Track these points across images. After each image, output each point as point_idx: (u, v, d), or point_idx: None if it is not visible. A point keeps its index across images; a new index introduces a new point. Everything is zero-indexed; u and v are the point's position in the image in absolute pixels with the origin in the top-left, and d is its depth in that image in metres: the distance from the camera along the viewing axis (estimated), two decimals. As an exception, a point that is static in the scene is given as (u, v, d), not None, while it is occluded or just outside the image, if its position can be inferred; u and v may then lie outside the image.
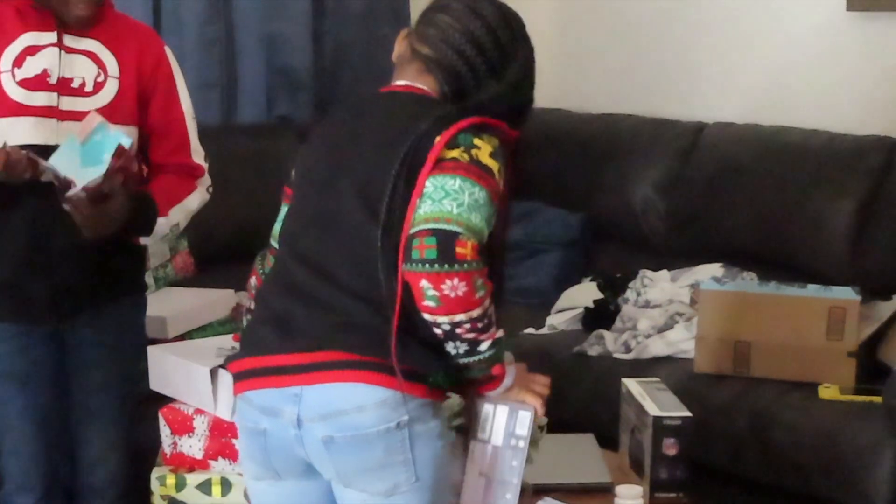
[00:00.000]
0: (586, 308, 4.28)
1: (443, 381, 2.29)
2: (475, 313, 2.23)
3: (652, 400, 3.04)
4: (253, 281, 2.53)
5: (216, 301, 3.97)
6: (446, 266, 2.18)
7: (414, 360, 2.24)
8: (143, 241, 3.01)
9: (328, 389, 2.24)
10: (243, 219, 4.25)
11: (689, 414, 2.98)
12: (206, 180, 3.10)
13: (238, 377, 2.34)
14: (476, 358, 2.29)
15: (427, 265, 2.18)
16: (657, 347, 3.94)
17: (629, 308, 4.17)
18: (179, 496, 2.92)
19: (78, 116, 2.85)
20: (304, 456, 2.31)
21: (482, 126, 2.32)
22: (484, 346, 2.28)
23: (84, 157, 2.73)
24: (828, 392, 3.61)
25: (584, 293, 4.37)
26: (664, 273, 4.29)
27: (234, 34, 4.85)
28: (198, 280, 4.26)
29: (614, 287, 4.34)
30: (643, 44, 4.94)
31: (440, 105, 2.36)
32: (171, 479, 2.92)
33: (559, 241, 4.66)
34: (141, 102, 2.97)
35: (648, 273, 4.29)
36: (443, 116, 2.30)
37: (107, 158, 2.70)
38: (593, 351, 4.03)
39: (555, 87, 5.15)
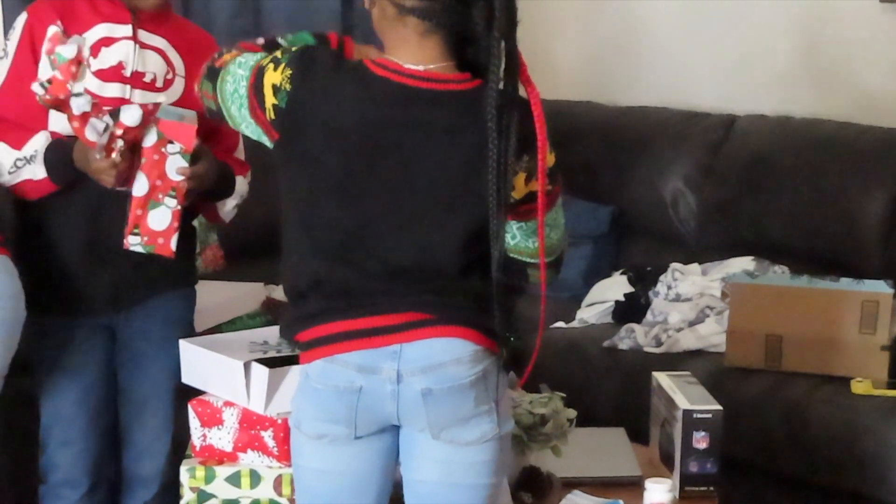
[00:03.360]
0: (617, 302, 4.27)
1: (515, 343, 2.48)
2: None
3: (682, 393, 3.03)
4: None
5: (246, 294, 3.97)
6: (556, 280, 2.47)
7: (494, 321, 2.36)
8: (224, 209, 3.08)
9: (428, 345, 2.34)
10: (272, 212, 4.20)
11: (719, 407, 2.97)
12: (249, 177, 3.15)
13: (322, 342, 2.39)
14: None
15: (548, 289, 2.43)
16: (688, 341, 3.93)
17: (660, 302, 4.16)
18: (209, 488, 2.92)
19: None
20: (391, 411, 2.38)
21: (532, 128, 2.31)
22: None
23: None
24: (860, 386, 3.59)
25: (615, 287, 4.36)
26: (695, 266, 4.27)
27: (263, 27, 4.85)
28: (227, 273, 4.26)
29: (645, 280, 4.33)
30: (674, 35, 4.92)
31: (476, 102, 2.29)
32: (200, 472, 2.92)
33: (589, 235, 4.64)
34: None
35: (679, 266, 4.28)
36: (500, 128, 2.28)
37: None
38: (624, 345, 4.02)
39: (584, 80, 5.14)
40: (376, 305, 2.36)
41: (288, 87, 2.32)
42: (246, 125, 2.41)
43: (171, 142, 2.80)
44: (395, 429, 2.43)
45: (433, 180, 2.31)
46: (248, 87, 2.37)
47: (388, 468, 2.47)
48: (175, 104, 2.95)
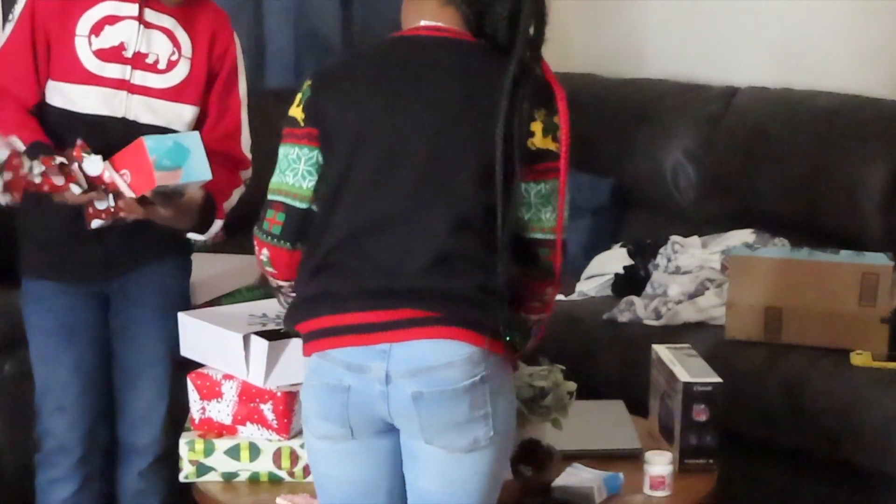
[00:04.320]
0: (616, 274, 4.27)
1: (518, 343, 2.35)
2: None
3: (682, 366, 3.03)
4: (265, 254, 2.45)
5: (244, 267, 3.96)
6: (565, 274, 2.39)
7: (499, 321, 2.27)
8: (190, 236, 3.01)
9: (418, 346, 2.26)
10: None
11: (719, 380, 2.97)
12: (248, 173, 3.13)
13: (316, 335, 2.33)
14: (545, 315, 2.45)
15: (551, 278, 2.37)
16: (688, 314, 3.93)
17: (659, 274, 4.15)
18: (208, 461, 2.92)
19: (149, 92, 2.90)
20: (384, 413, 2.32)
21: (551, 90, 2.33)
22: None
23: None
24: (860, 359, 3.59)
25: (614, 259, 4.35)
26: (695, 239, 4.27)
27: (264, 25, 4.83)
28: (226, 246, 4.24)
29: (644, 253, 4.32)
30: (674, 7, 4.90)
31: (495, 58, 2.31)
32: (199, 445, 2.92)
33: (589, 208, 4.63)
34: (206, 85, 3.00)
35: (679, 239, 4.27)
36: (518, 81, 2.27)
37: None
38: (623, 317, 4.01)
39: (584, 52, 5.12)
40: (371, 299, 2.28)
41: (308, 92, 2.38)
42: (303, 176, 2.37)
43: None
44: (397, 430, 2.36)
45: (444, 122, 2.28)
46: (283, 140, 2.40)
47: (394, 471, 2.39)
48: (178, 86, 2.93)
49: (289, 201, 2.38)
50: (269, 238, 2.41)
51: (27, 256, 3.03)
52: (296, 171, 2.37)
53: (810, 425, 3.55)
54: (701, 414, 2.94)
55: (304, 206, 2.38)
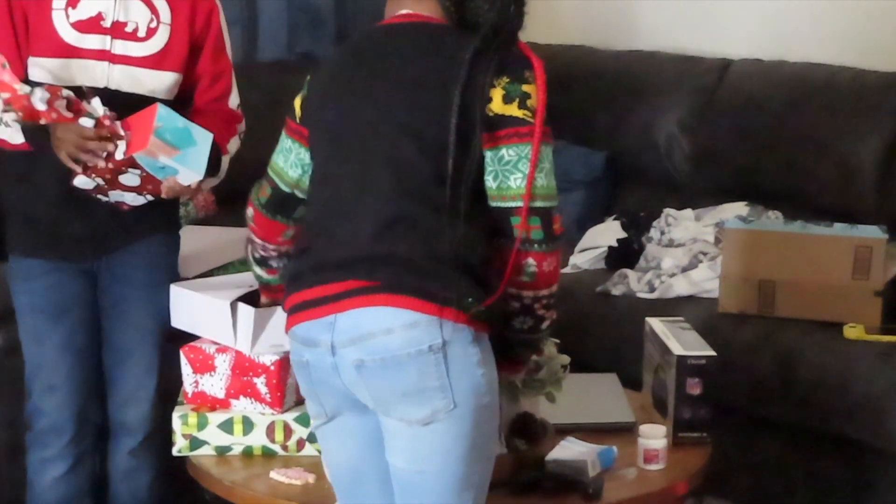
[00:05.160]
0: (610, 247, 4.26)
1: (482, 315, 2.28)
2: (555, 288, 2.36)
3: (676, 339, 3.03)
4: (250, 212, 2.59)
5: (237, 240, 3.93)
6: (552, 245, 2.32)
7: (455, 289, 2.24)
8: (208, 183, 3.03)
9: (358, 314, 2.26)
10: (264, 156, 4.20)
11: (713, 353, 2.96)
12: (242, 126, 3.14)
13: (287, 314, 2.38)
14: (534, 336, 2.41)
15: (536, 245, 2.30)
16: (681, 287, 3.92)
17: (653, 247, 4.15)
18: (201, 435, 2.92)
19: (129, 61, 2.90)
20: (341, 386, 2.32)
21: (523, 61, 2.30)
22: (544, 325, 2.41)
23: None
24: (853, 332, 3.59)
25: (608, 232, 4.35)
26: (688, 212, 4.26)
27: (258, 19, 4.80)
28: (219, 218, 4.25)
29: (638, 226, 4.31)
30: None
31: (462, 36, 2.32)
32: (192, 418, 2.92)
33: (582, 180, 4.62)
34: (191, 52, 2.99)
35: (672, 212, 4.27)
36: (480, 54, 2.27)
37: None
38: (616, 290, 4.01)
39: (578, 24, 5.10)
40: (325, 273, 2.30)
41: (305, 88, 2.46)
42: (291, 166, 2.49)
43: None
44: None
45: (402, 97, 2.30)
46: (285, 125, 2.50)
47: (375, 452, 2.38)
48: (158, 53, 2.93)
49: (276, 181, 2.53)
50: (256, 202, 2.58)
51: (13, 234, 3.02)
52: (286, 159, 2.50)
53: (803, 398, 3.55)
54: (694, 387, 2.94)
55: (287, 189, 2.51)
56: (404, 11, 2.39)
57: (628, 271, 4.05)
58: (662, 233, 4.20)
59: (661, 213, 4.28)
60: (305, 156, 2.45)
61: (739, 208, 4.15)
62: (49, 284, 2.99)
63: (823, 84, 4.22)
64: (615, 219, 4.42)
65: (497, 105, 2.28)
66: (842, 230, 3.69)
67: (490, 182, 2.30)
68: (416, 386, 2.26)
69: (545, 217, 2.30)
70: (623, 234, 4.30)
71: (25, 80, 2.84)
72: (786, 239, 3.73)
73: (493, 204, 2.31)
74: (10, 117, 2.80)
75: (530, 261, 2.31)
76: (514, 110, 2.28)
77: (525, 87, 2.29)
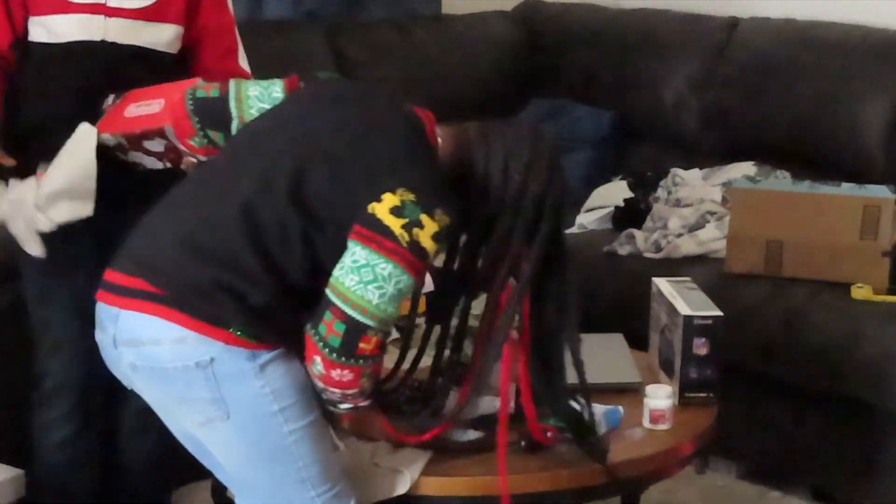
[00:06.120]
0: (617, 207, 4.25)
1: (245, 334, 2.28)
2: (349, 392, 2.33)
3: (683, 299, 3.01)
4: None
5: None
6: (343, 359, 2.25)
7: (221, 311, 2.26)
8: None
9: (135, 317, 2.30)
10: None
11: (720, 313, 2.95)
12: None
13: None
14: (331, 407, 2.39)
15: (327, 349, 2.25)
16: (688, 247, 3.91)
17: (660, 207, 4.13)
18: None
19: (124, 13, 2.89)
20: (122, 375, 2.41)
21: (440, 198, 2.27)
22: (343, 407, 2.39)
23: None
24: (860, 292, 3.58)
25: (615, 192, 4.33)
26: (696, 172, 4.25)
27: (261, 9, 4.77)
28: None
29: (645, 186, 4.30)
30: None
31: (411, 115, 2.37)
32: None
33: (589, 140, 4.61)
34: (189, 4, 2.98)
35: (680, 172, 4.25)
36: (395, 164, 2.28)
37: None
38: (623, 250, 4.00)
39: (586, -18, 5.06)
40: (130, 261, 2.34)
41: None
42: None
43: None
44: None
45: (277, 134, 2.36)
46: None
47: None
48: (154, 5, 2.92)
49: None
50: (191, 90, 2.67)
51: None
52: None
53: (810, 359, 3.55)
54: (701, 347, 2.93)
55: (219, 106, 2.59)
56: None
57: (635, 231, 4.04)
58: (669, 192, 4.19)
59: (668, 172, 4.27)
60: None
61: (747, 168, 4.13)
62: (57, 244, 2.98)
63: (832, 43, 4.20)
64: (622, 178, 4.41)
65: (382, 211, 2.24)
66: (850, 190, 3.68)
67: (336, 270, 2.26)
68: (186, 396, 2.31)
69: (352, 329, 2.24)
70: (630, 194, 4.28)
71: (25, 40, 2.84)
72: (793, 199, 3.71)
73: (327, 288, 2.26)
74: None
75: (318, 359, 2.27)
76: (394, 224, 2.23)
77: (423, 219, 2.24)
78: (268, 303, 2.27)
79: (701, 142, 4.45)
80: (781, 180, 4.01)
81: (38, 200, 2.81)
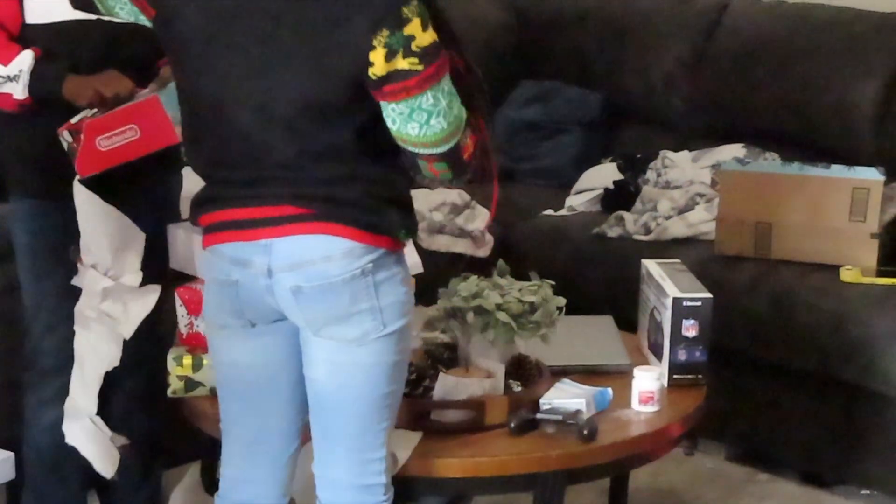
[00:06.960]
0: (606, 189, 4.25)
1: (404, 237, 2.39)
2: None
3: (672, 281, 3.02)
4: None
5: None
6: (461, 175, 2.39)
7: (380, 218, 2.33)
8: None
9: (297, 241, 2.32)
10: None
11: (709, 295, 2.96)
12: None
13: (207, 230, 2.42)
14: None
15: (446, 181, 2.40)
16: (677, 229, 3.91)
17: (649, 189, 4.13)
18: (196, 377, 2.91)
19: None
20: (274, 304, 2.39)
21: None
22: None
23: None
24: (849, 274, 3.58)
25: (604, 174, 4.33)
26: (685, 154, 4.25)
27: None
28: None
29: (634, 168, 4.30)
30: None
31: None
32: (187, 360, 2.91)
33: (578, 121, 4.60)
34: None
35: (669, 154, 4.25)
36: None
37: None
38: (613, 232, 4.00)
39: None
40: (255, 196, 2.33)
41: None
42: (120, 6, 2.45)
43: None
44: None
45: (299, 35, 2.25)
46: None
47: (294, 359, 2.45)
48: None
49: None
50: None
51: (14, 174, 2.99)
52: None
53: (799, 341, 3.55)
54: (690, 329, 2.94)
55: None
56: None
57: (624, 213, 4.04)
58: (659, 175, 4.19)
59: (657, 154, 4.26)
60: (141, 20, 2.46)
61: (736, 150, 4.13)
62: (50, 226, 2.97)
63: (822, 24, 4.20)
64: (612, 160, 4.41)
65: (380, 67, 2.22)
66: (839, 172, 3.68)
67: (391, 125, 2.29)
68: (349, 310, 2.33)
69: (451, 158, 2.34)
70: (619, 176, 4.28)
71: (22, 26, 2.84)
72: (783, 181, 3.72)
73: (398, 143, 2.32)
74: (15, 68, 2.80)
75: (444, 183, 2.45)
76: (399, 63, 2.22)
77: (405, 30, 2.21)
78: (400, 192, 2.37)
79: (690, 124, 4.45)
80: (771, 162, 4.01)
81: (107, 284, 2.88)
